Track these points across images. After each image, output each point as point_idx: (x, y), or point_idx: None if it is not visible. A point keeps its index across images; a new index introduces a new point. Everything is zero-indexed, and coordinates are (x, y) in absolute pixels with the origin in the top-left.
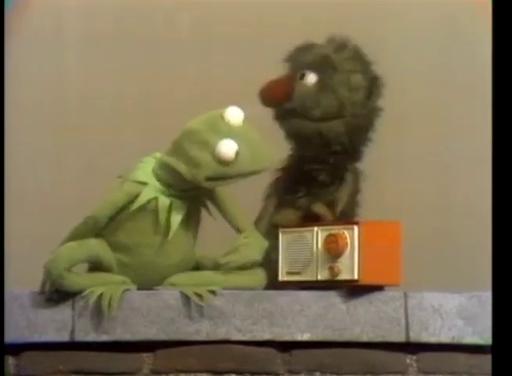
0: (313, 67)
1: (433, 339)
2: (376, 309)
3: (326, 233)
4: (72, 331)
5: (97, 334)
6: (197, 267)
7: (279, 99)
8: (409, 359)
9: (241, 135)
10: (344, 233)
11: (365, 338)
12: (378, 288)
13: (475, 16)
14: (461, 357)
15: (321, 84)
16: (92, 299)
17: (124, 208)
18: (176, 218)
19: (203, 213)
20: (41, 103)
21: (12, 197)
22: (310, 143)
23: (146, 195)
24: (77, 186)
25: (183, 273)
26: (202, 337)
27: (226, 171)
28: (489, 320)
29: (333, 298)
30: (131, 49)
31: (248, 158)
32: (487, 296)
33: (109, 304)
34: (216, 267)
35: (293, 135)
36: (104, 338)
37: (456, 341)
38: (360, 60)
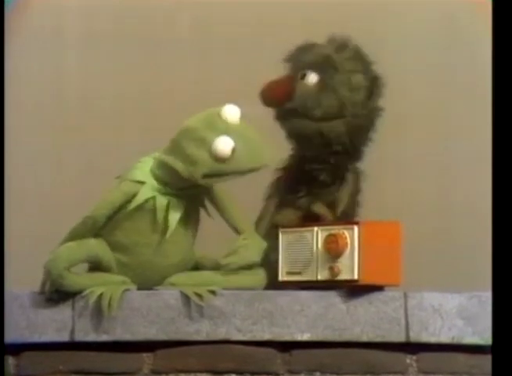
0: (314, 67)
1: (433, 339)
2: (376, 309)
3: (326, 233)
4: (72, 331)
5: (97, 334)
6: (197, 267)
7: (280, 99)
8: (409, 359)
9: (238, 132)
10: (344, 233)
11: (365, 338)
12: (378, 288)
13: (475, 16)
14: (461, 357)
15: (322, 84)
16: (92, 299)
17: (121, 208)
18: (174, 217)
19: (203, 213)
20: (41, 103)
21: (12, 197)
22: (311, 143)
23: (143, 194)
24: (77, 186)
25: (183, 273)
26: (202, 337)
27: (222, 168)
28: (489, 320)
29: (333, 298)
30: (131, 49)
31: (245, 155)
32: (487, 296)
33: (109, 304)
34: (216, 268)
35: (294, 135)
36: (104, 338)
37: (456, 341)
38: (361, 60)
